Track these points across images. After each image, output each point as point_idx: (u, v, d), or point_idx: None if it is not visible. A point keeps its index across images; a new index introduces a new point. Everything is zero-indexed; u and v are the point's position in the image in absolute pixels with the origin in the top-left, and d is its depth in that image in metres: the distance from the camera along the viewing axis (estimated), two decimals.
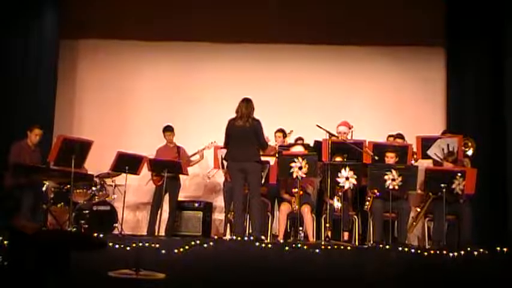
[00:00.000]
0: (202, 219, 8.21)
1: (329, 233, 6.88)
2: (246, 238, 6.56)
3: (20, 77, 8.24)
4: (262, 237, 6.63)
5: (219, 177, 8.41)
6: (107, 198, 7.99)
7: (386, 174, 6.64)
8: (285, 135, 8.14)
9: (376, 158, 7.06)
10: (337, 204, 6.98)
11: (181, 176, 8.15)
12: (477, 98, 8.39)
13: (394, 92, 9.20)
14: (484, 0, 8.39)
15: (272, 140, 7.99)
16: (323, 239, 6.84)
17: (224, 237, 7.39)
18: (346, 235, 7.15)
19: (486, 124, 8.13)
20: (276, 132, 8.11)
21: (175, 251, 5.38)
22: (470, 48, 8.61)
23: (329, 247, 6.20)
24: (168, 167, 7.75)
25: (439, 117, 8.98)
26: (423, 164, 7.42)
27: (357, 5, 9.07)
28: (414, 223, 7.28)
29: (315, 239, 6.97)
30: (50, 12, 8.67)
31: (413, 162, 7.41)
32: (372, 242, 6.89)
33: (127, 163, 7.65)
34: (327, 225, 6.88)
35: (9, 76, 8.14)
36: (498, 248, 6.13)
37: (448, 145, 7.30)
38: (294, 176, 6.72)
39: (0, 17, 7.99)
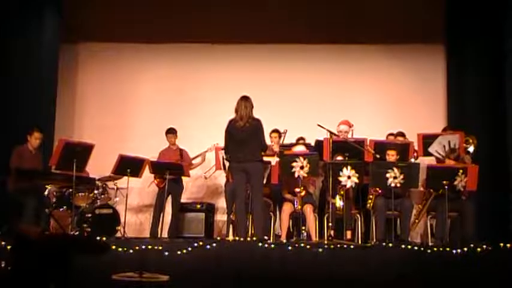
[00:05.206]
0: (204, 220, 8.22)
1: (332, 232, 6.87)
2: (248, 239, 6.55)
3: (20, 80, 8.19)
4: (265, 237, 6.63)
5: (221, 178, 8.41)
6: (109, 202, 7.99)
7: (388, 172, 6.63)
8: (280, 135, 8.11)
9: (378, 156, 7.06)
10: (339, 203, 6.97)
11: (183, 178, 8.15)
12: (477, 97, 8.36)
13: (394, 90, 9.21)
14: None
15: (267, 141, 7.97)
16: (326, 238, 6.82)
17: (227, 238, 7.37)
18: (349, 234, 7.13)
19: (486, 122, 8.11)
20: (271, 133, 8.03)
21: (179, 252, 5.40)
22: (470, 46, 8.58)
23: (332, 246, 6.18)
24: (170, 169, 7.75)
25: (440, 116, 8.99)
26: (424, 161, 7.42)
27: (357, 5, 9.06)
28: (416, 220, 7.27)
29: (317, 238, 6.96)
30: (51, 15, 8.67)
31: (413, 159, 7.40)
32: (374, 240, 6.89)
33: (129, 166, 7.63)
34: (330, 224, 6.87)
35: (10, 79, 8.10)
36: (501, 244, 6.11)
37: (449, 142, 7.26)
38: (296, 175, 6.71)
39: (1, 19, 7.99)
